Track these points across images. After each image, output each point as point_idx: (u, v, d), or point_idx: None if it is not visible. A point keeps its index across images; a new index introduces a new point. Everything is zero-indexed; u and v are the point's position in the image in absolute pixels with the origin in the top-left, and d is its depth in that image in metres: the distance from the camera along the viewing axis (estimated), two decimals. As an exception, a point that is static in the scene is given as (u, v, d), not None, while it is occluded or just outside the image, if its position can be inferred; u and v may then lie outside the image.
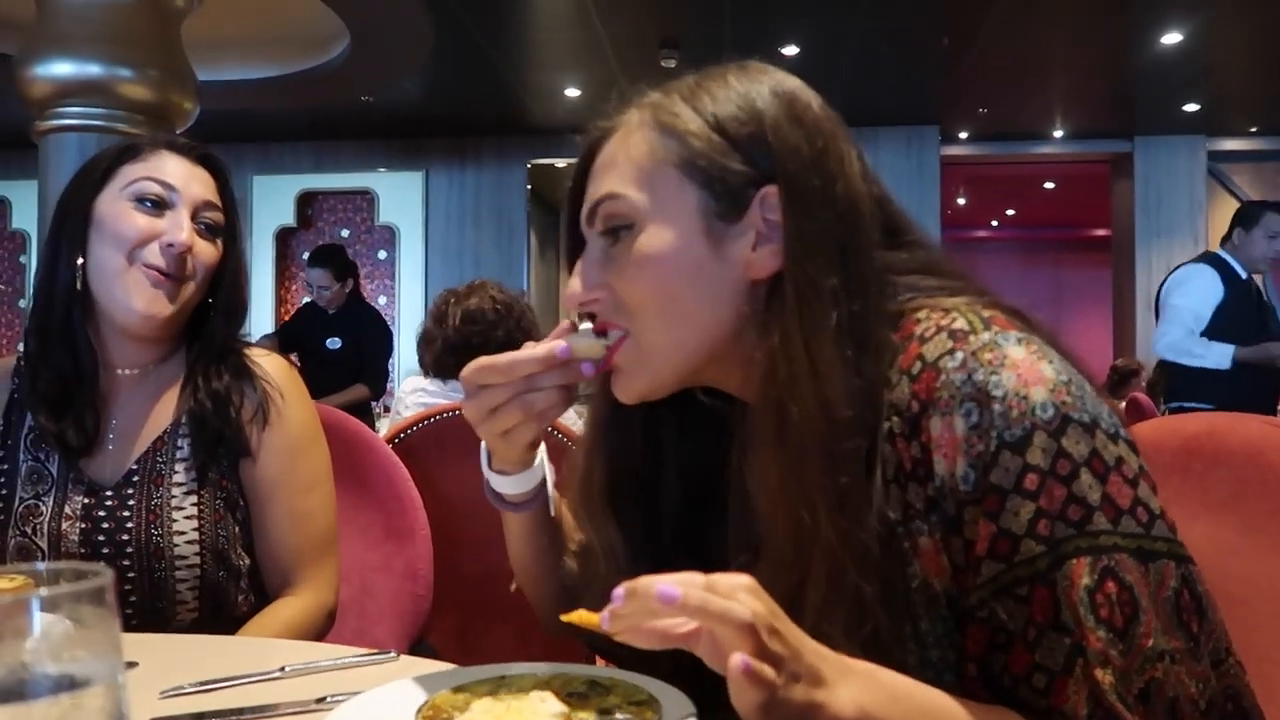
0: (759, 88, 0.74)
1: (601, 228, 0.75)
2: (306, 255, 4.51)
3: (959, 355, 0.65)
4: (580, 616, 0.65)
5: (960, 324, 0.67)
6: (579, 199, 0.79)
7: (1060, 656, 0.61)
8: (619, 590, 0.56)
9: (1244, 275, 3.71)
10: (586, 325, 0.77)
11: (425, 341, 2.40)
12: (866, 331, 0.69)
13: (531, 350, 0.77)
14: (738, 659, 0.52)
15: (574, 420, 3.13)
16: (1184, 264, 3.92)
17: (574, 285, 0.77)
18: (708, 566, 0.59)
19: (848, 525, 0.65)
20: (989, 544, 0.63)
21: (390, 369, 4.45)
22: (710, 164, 0.72)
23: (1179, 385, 3.73)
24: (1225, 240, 3.78)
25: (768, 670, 0.53)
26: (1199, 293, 3.67)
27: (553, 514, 0.90)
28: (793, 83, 0.75)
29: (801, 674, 0.55)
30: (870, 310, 0.70)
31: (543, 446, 0.87)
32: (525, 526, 0.88)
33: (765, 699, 0.53)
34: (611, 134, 0.77)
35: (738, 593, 0.54)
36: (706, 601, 0.53)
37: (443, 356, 2.34)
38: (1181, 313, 3.67)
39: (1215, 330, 3.61)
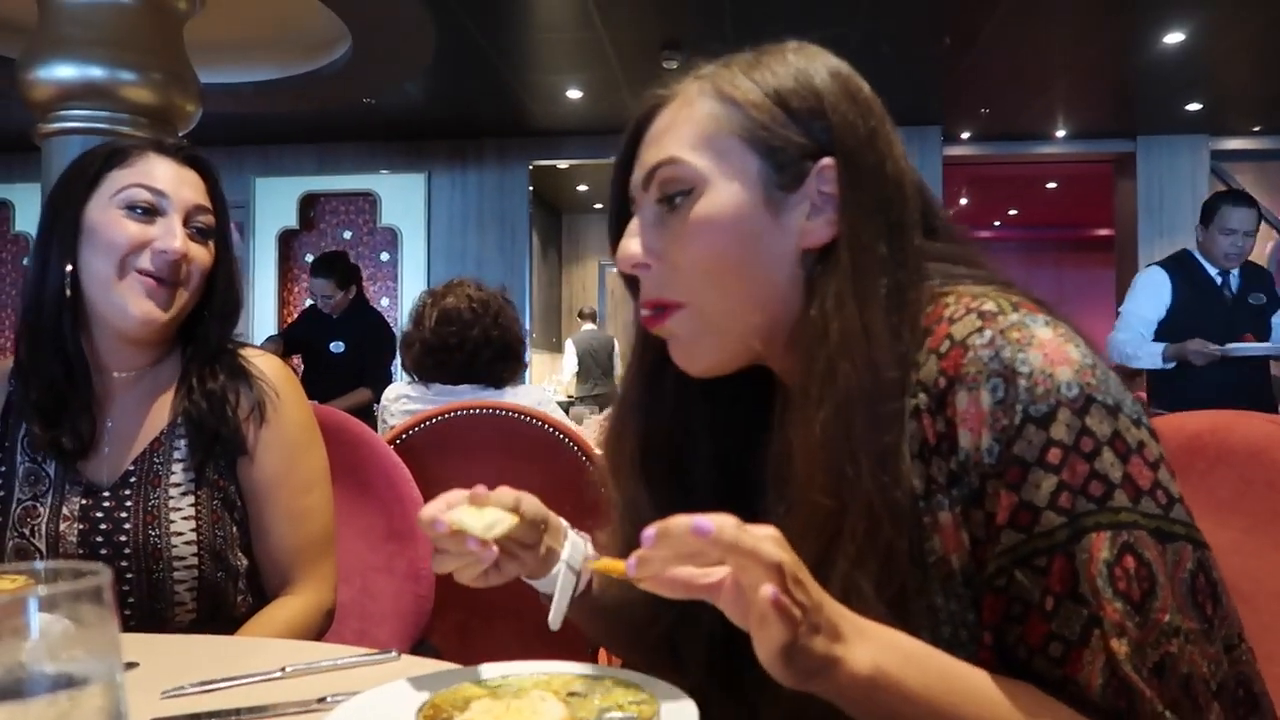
0: (816, 65, 0.77)
1: (659, 194, 0.76)
2: (309, 259, 4.51)
3: (987, 333, 0.67)
4: (606, 564, 0.66)
5: (989, 306, 0.69)
6: (628, 167, 0.81)
7: (1077, 627, 0.62)
8: (650, 530, 0.58)
9: (1213, 273, 3.58)
10: (466, 510, 0.76)
11: (405, 344, 2.39)
12: (906, 303, 0.72)
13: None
14: (768, 589, 0.54)
15: (592, 423, 3.13)
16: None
17: (628, 246, 0.77)
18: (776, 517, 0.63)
19: (888, 481, 0.67)
20: (1009, 514, 0.64)
21: (393, 373, 4.45)
22: (771, 135, 0.74)
23: (1158, 390, 3.66)
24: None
25: (794, 609, 0.54)
26: (1144, 296, 3.65)
27: (594, 587, 0.89)
28: (845, 65, 0.78)
29: (821, 626, 0.56)
30: (910, 284, 0.72)
31: (570, 537, 0.87)
32: (580, 613, 0.88)
33: (788, 642, 0.55)
34: (668, 102, 0.79)
35: (765, 540, 0.56)
36: (740, 537, 0.55)
37: (422, 359, 2.33)
38: (1127, 316, 3.67)
39: (1177, 331, 3.52)
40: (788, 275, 0.75)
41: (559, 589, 0.83)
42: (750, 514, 0.77)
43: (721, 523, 0.55)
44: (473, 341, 2.28)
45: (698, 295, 0.75)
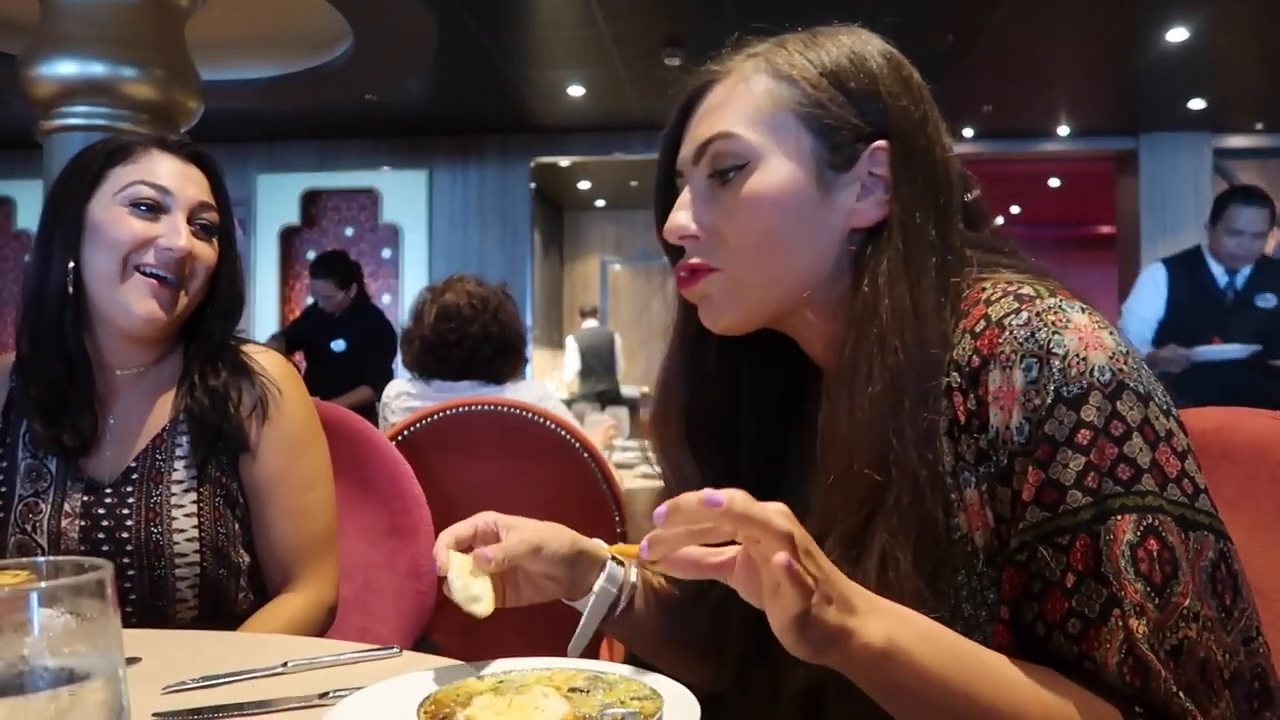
0: (869, 48, 0.78)
1: (710, 168, 0.77)
2: (311, 256, 4.52)
3: (1024, 315, 0.68)
4: (621, 549, 0.66)
5: (1027, 290, 0.70)
6: (676, 141, 0.81)
7: (1097, 605, 0.63)
8: (661, 508, 0.59)
9: (1217, 272, 3.42)
10: (462, 572, 0.76)
11: (405, 341, 2.39)
12: (949, 285, 0.73)
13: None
14: (781, 556, 0.54)
15: (597, 422, 3.13)
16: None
17: (678, 218, 0.78)
18: (792, 504, 0.64)
19: (931, 456, 0.68)
20: (1035, 491, 0.65)
21: (394, 371, 4.45)
22: (827, 114, 0.75)
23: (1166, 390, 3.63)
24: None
25: (807, 576, 0.55)
26: (1142, 294, 3.52)
27: (637, 604, 0.88)
28: (894, 49, 0.79)
29: (833, 597, 0.57)
30: (954, 267, 0.74)
31: (609, 567, 0.86)
32: (624, 633, 0.88)
33: (801, 611, 0.55)
34: (722, 78, 0.79)
35: (775, 512, 0.56)
36: (751, 508, 0.56)
37: (421, 355, 2.33)
38: (1125, 314, 3.59)
39: (1176, 331, 3.41)
40: (832, 253, 0.76)
41: (585, 617, 0.83)
42: (789, 490, 0.78)
43: (733, 495, 0.56)
44: (472, 338, 2.28)
45: (737, 265, 0.76)
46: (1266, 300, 3.41)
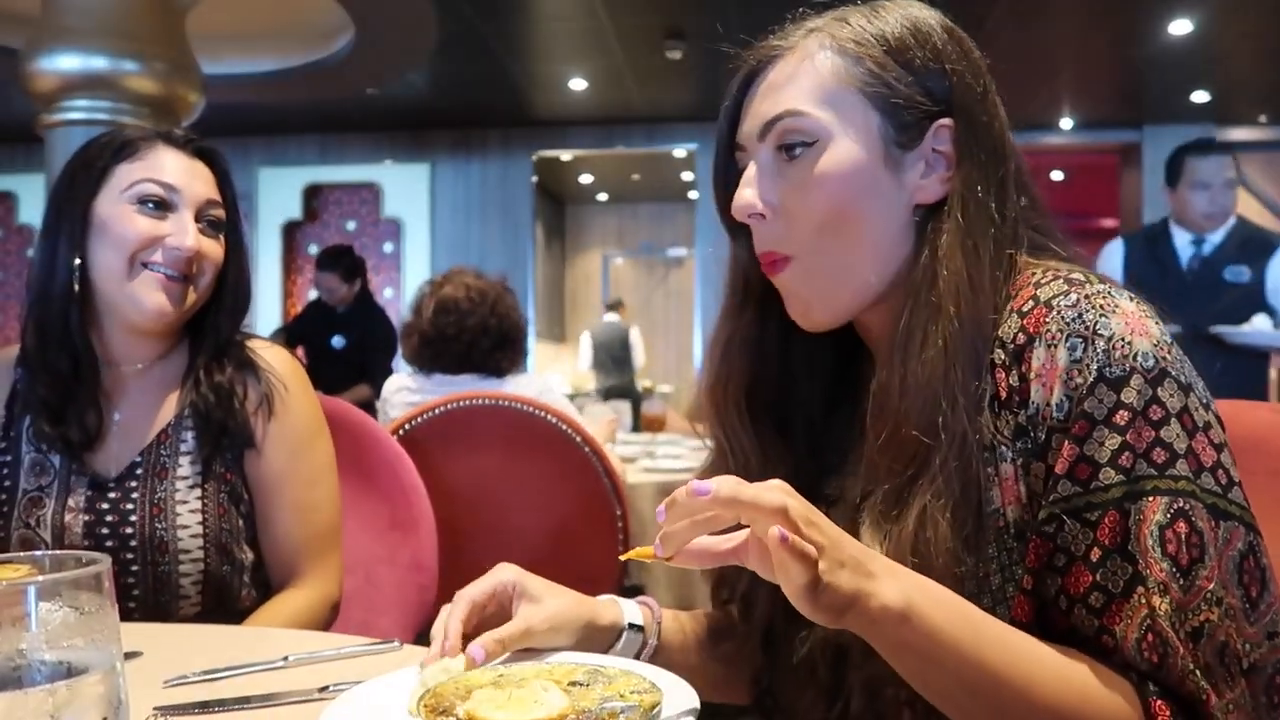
0: (931, 22, 0.78)
1: (776, 143, 0.77)
2: (313, 250, 4.52)
3: (1073, 296, 0.69)
4: (637, 552, 0.66)
5: (1077, 275, 0.71)
6: (734, 117, 0.81)
7: (1121, 581, 0.63)
8: (660, 506, 0.60)
9: (1180, 243, 3.00)
10: (447, 663, 0.73)
11: (404, 335, 2.39)
12: (1004, 260, 0.74)
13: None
14: (775, 531, 0.55)
15: (600, 412, 3.13)
16: None
17: (744, 195, 0.78)
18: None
19: (979, 424, 0.69)
20: (1069, 466, 0.66)
21: (395, 369, 4.45)
22: (893, 93, 0.75)
23: None
24: None
25: (807, 546, 0.56)
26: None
27: (657, 639, 0.87)
28: (951, 22, 0.80)
29: (846, 562, 0.58)
30: (1009, 242, 0.75)
31: (624, 636, 0.84)
32: (666, 661, 0.86)
33: (809, 580, 0.56)
34: (784, 54, 0.78)
35: (765, 489, 0.58)
36: (738, 490, 0.57)
37: (420, 349, 2.33)
38: None
39: None
40: (899, 229, 0.76)
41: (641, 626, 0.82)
42: (839, 457, 0.80)
43: (720, 481, 0.57)
44: (470, 331, 2.28)
45: (810, 248, 0.76)
46: (1238, 274, 2.97)
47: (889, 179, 0.75)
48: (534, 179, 7.88)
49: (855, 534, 0.69)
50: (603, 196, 10.66)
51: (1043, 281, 0.71)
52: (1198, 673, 0.61)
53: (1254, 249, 3.00)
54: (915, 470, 0.70)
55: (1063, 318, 0.68)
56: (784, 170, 0.77)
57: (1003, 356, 0.70)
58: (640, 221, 10.81)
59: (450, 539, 1.58)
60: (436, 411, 1.94)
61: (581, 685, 0.68)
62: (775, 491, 0.58)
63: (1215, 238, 3.00)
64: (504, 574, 0.79)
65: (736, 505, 0.57)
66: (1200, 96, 6.83)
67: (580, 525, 1.89)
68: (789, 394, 0.85)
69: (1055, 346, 0.67)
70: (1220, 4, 5.13)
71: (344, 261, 4.34)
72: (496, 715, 0.61)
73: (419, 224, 7.85)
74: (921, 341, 0.72)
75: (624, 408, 3.99)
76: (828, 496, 0.80)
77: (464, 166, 7.84)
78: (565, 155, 8.15)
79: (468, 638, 0.75)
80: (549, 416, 1.91)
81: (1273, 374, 3.63)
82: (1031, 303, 0.70)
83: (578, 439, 1.90)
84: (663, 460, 2.67)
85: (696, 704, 0.64)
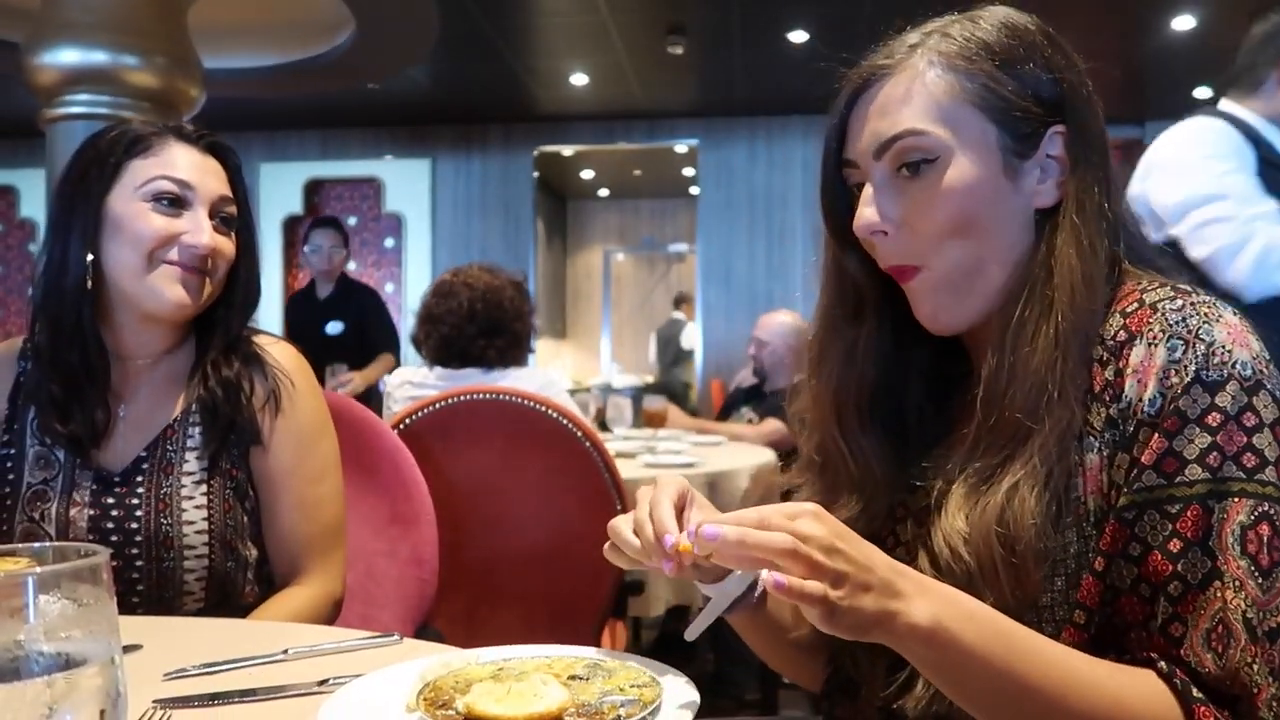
0: (1030, 28, 0.79)
1: (897, 162, 0.78)
2: (309, 224, 4.51)
3: (1179, 301, 0.71)
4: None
5: (1184, 286, 0.74)
6: (841, 136, 0.82)
7: (1200, 574, 0.65)
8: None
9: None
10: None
11: (413, 338, 2.43)
12: (1109, 257, 0.77)
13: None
14: (768, 577, 0.59)
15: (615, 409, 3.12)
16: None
17: (867, 214, 0.79)
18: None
19: (1081, 414, 0.72)
20: (1156, 458, 0.67)
21: (399, 337, 4.44)
22: (1008, 104, 0.77)
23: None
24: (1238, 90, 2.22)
25: (808, 585, 0.59)
26: (1217, 147, 2.13)
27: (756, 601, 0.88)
28: (1045, 24, 0.81)
29: (873, 585, 0.60)
30: (1114, 239, 0.77)
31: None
32: (742, 624, 0.89)
33: (823, 610, 0.59)
34: (892, 72, 0.79)
35: (799, 519, 0.60)
36: (743, 537, 0.60)
37: (423, 341, 2.37)
38: (1194, 175, 2.14)
39: None
40: (1020, 235, 0.78)
41: (711, 603, 0.82)
42: (931, 449, 0.82)
43: (728, 528, 0.60)
44: (470, 324, 2.29)
45: (935, 258, 0.78)
46: None
47: (1009, 188, 0.77)
48: (535, 174, 7.87)
49: (942, 509, 0.74)
50: (604, 192, 10.65)
51: (1149, 288, 0.74)
52: (1254, 665, 0.62)
53: None
54: (1011, 451, 0.72)
55: (1167, 319, 0.70)
56: (903, 187, 0.78)
57: (1102, 353, 0.73)
58: (642, 217, 10.80)
59: (451, 533, 1.58)
60: (438, 406, 1.94)
61: (581, 679, 0.68)
62: (783, 535, 0.60)
63: None
64: (678, 482, 0.76)
65: (745, 550, 0.60)
66: (1203, 92, 6.81)
67: (581, 520, 1.89)
68: (900, 394, 0.87)
69: (1156, 345, 0.69)
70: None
71: (339, 224, 4.35)
72: (495, 709, 0.61)
73: (420, 219, 7.85)
74: (1033, 333, 0.74)
75: (624, 403, 3.96)
76: (913, 485, 0.83)
77: (465, 161, 7.83)
78: (566, 150, 8.14)
79: None
80: (550, 411, 1.91)
81: None
82: (1136, 305, 0.73)
83: (579, 434, 1.90)
84: (663, 455, 2.67)
85: (696, 699, 0.64)
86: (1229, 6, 5.21)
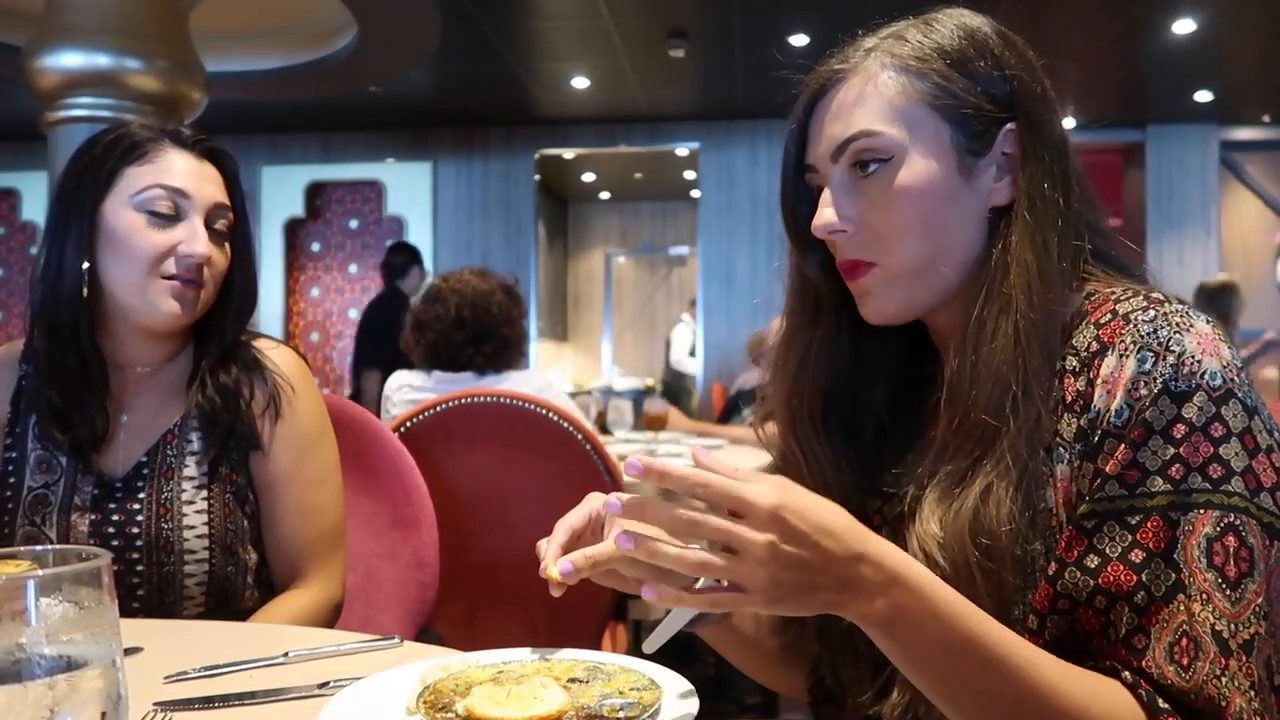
0: (985, 29, 0.81)
1: (850, 162, 0.79)
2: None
3: (1151, 312, 0.71)
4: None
5: (1158, 295, 0.73)
6: (800, 140, 0.83)
7: (1164, 586, 0.64)
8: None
9: None
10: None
11: (409, 330, 2.42)
12: (1069, 251, 0.77)
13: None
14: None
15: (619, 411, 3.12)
16: None
17: (826, 215, 0.80)
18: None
19: (1046, 412, 0.71)
20: (1119, 468, 0.67)
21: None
22: (960, 103, 0.77)
23: None
24: None
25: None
26: None
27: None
28: (1000, 25, 0.82)
29: (826, 584, 0.60)
30: (1073, 234, 0.77)
31: None
32: (710, 636, 0.89)
33: (756, 604, 0.61)
34: (847, 76, 0.80)
35: (744, 521, 0.59)
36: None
37: (415, 345, 2.37)
38: None
39: None
40: (976, 231, 0.79)
41: (669, 617, 0.81)
42: (902, 455, 0.82)
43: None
44: (459, 329, 2.29)
45: (891, 255, 0.79)
46: None
47: (964, 186, 0.78)
48: (536, 177, 7.87)
49: (915, 516, 0.74)
50: (605, 195, 10.65)
51: (1123, 298, 0.73)
52: (1223, 678, 0.61)
53: None
54: (981, 452, 0.72)
55: (1138, 330, 0.69)
56: (860, 187, 0.79)
57: (1074, 363, 0.72)
58: (643, 220, 10.80)
59: (451, 536, 1.59)
60: (437, 409, 1.94)
61: (581, 682, 0.68)
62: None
63: None
64: (599, 501, 0.78)
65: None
66: (1203, 96, 6.81)
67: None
68: (859, 399, 0.87)
69: (1126, 356, 0.69)
70: (1223, 3, 5.12)
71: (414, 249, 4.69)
72: (495, 712, 0.61)
73: (421, 222, 7.85)
74: (993, 331, 0.74)
75: (625, 406, 3.96)
76: (887, 492, 0.83)
77: (466, 165, 7.83)
78: (568, 154, 8.15)
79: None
80: (549, 413, 1.91)
81: (1273, 373, 3.59)
82: (1109, 315, 0.72)
83: (579, 436, 1.90)
84: (664, 459, 2.67)
85: (696, 702, 0.64)
86: (1230, 10, 5.22)
